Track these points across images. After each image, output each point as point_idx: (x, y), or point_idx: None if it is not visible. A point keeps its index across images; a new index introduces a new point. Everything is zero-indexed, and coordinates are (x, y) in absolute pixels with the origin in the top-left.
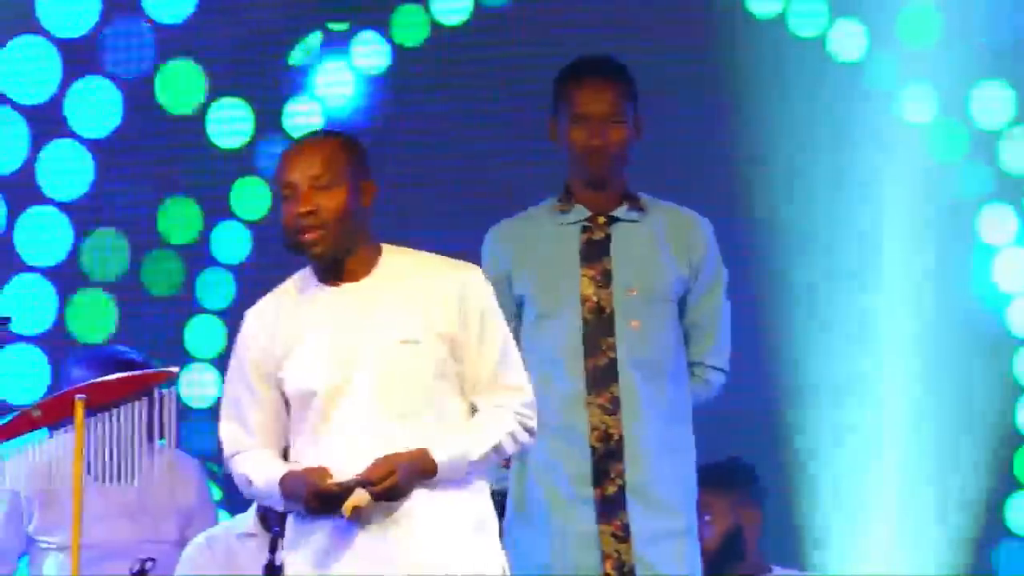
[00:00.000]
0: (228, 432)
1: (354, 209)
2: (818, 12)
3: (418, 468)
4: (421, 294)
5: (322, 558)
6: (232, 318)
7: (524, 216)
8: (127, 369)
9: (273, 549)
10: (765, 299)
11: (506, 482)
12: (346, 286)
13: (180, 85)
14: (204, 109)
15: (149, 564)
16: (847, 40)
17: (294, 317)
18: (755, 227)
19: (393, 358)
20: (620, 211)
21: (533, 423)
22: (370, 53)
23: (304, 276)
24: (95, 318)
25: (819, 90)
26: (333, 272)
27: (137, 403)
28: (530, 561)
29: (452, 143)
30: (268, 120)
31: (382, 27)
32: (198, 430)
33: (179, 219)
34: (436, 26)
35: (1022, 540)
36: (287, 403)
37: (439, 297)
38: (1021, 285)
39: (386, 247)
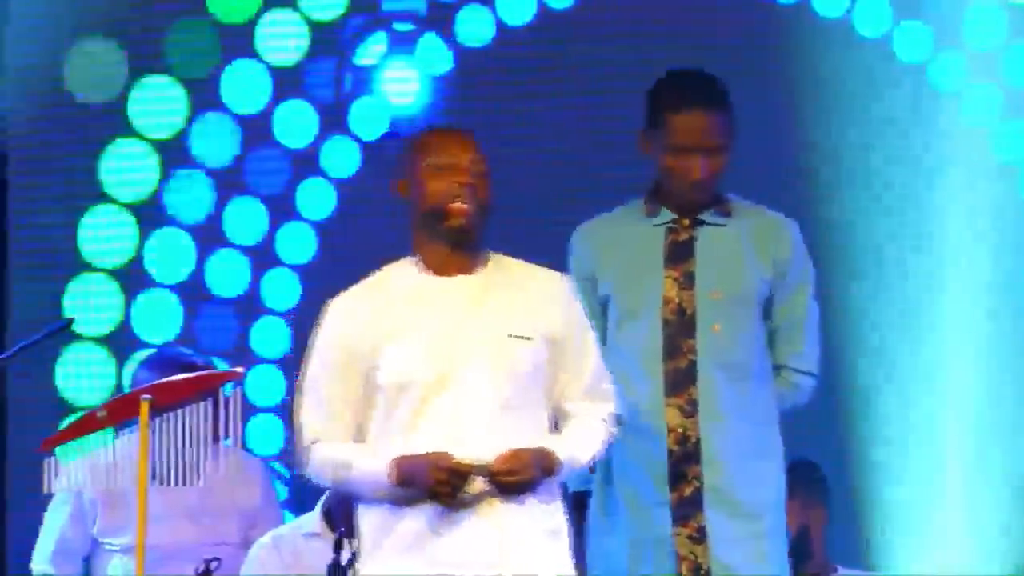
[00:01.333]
0: (309, 419)
1: (491, 199)
2: (882, 13)
3: (544, 465)
4: (530, 294)
5: (405, 555)
6: (297, 319)
7: (610, 216)
8: (191, 371)
9: (338, 549)
10: (829, 298)
11: (590, 484)
12: (457, 278)
13: (245, 85)
14: (269, 109)
15: (215, 564)
16: (911, 41)
17: (393, 307)
18: (818, 228)
19: (502, 351)
20: (706, 214)
21: (616, 432)
22: (434, 54)
23: (401, 267)
24: (160, 319)
25: (883, 91)
26: (443, 264)
27: (202, 404)
28: (608, 566)
29: (516, 143)
30: (333, 120)
31: (447, 28)
32: (263, 431)
33: (244, 219)
34: (501, 26)
35: None
36: (368, 396)
37: (547, 299)
38: None
39: (492, 252)
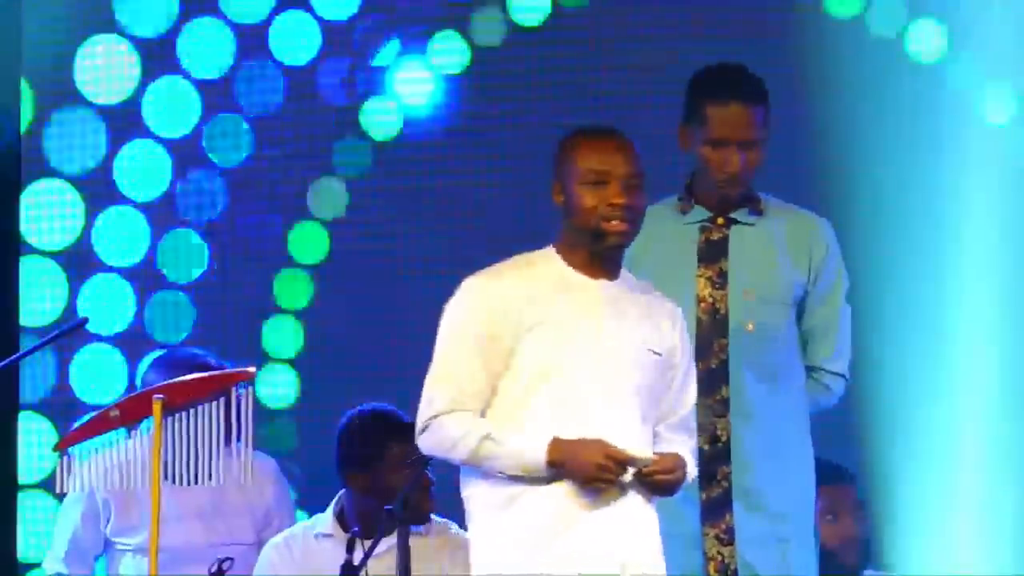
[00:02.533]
0: (443, 391)
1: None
2: (897, 11)
3: (684, 475)
4: (655, 313)
5: (527, 546)
6: (309, 318)
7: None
8: (202, 370)
9: (351, 549)
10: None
11: None
12: (601, 281)
13: (258, 85)
14: (282, 110)
15: (227, 564)
16: (926, 40)
17: (539, 295)
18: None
19: (639, 360)
20: (739, 213)
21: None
22: (448, 53)
23: (545, 257)
24: (173, 319)
25: (898, 90)
26: (590, 265)
27: (214, 403)
28: None
29: (531, 144)
30: (346, 120)
31: (461, 27)
32: (276, 431)
33: (257, 220)
34: (515, 26)
35: None
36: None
37: (668, 323)
38: None
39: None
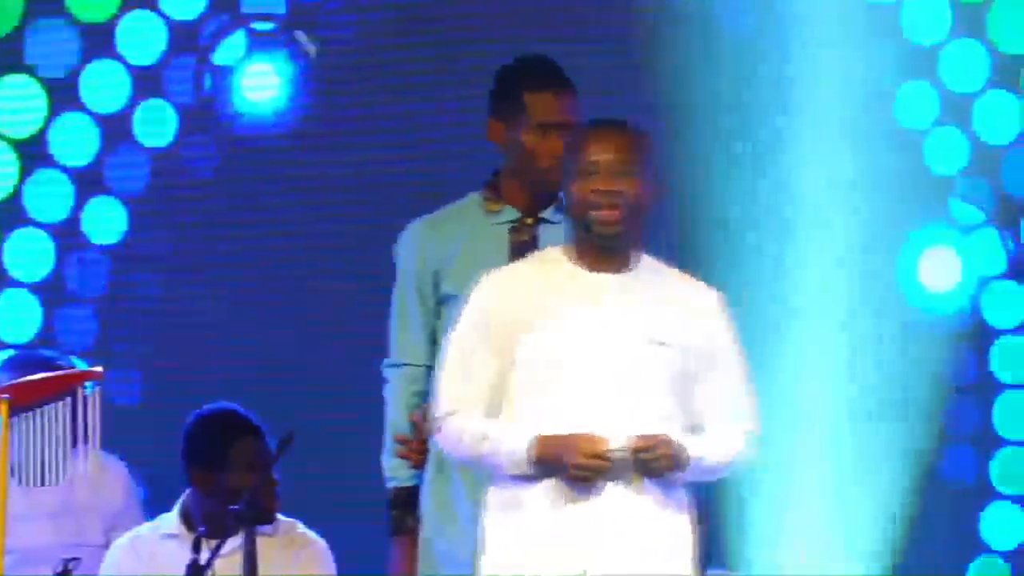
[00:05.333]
0: (452, 390)
1: (647, 200)
2: (748, 11)
3: (678, 455)
4: (675, 302)
5: (530, 543)
6: (157, 319)
7: (450, 212)
8: (50, 370)
9: (197, 549)
10: None
11: (417, 480)
12: (604, 275)
13: (105, 84)
14: (130, 108)
15: (73, 564)
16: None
17: (541, 293)
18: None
19: (643, 355)
20: (548, 212)
21: (754, 454)
22: (296, 51)
23: (552, 255)
24: (20, 319)
25: (746, 90)
26: (595, 259)
27: (61, 404)
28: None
29: (380, 139)
30: (193, 120)
31: (308, 24)
32: (123, 430)
33: (104, 219)
34: (362, 21)
35: (947, 539)
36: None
37: (693, 310)
38: (948, 284)
39: (644, 255)
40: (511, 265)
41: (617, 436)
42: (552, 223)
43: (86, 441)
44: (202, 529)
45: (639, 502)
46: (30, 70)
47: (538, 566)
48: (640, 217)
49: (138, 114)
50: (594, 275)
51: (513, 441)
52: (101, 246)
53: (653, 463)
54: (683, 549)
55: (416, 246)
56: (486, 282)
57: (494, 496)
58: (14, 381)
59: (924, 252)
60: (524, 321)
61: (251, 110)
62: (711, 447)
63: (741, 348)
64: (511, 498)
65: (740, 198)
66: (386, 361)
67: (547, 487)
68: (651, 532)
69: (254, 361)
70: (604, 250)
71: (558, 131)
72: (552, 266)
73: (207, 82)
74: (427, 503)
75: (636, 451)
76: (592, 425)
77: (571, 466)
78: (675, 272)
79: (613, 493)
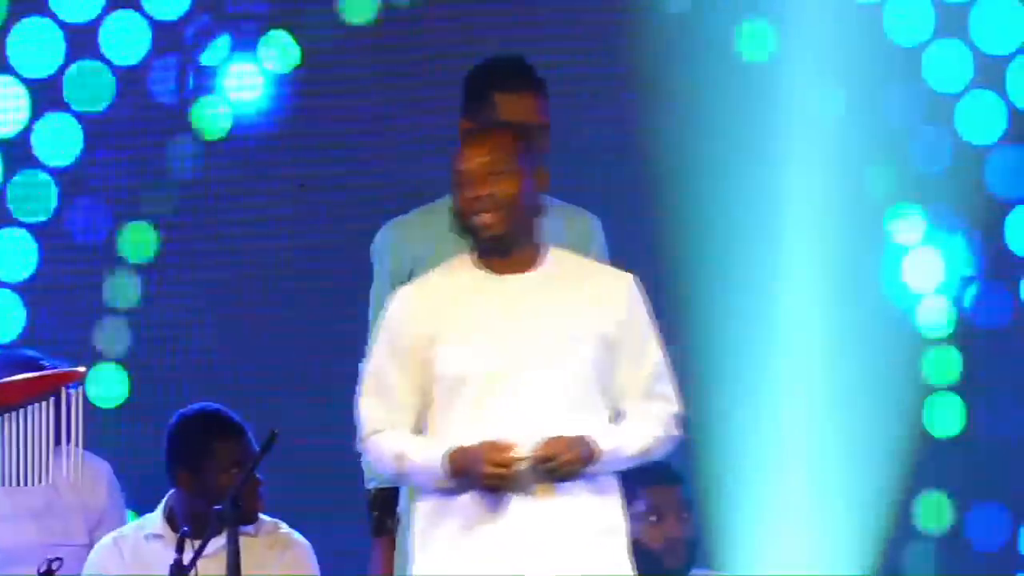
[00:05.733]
0: (371, 410)
1: (526, 196)
2: (726, 11)
3: (585, 452)
4: (585, 292)
5: (454, 550)
6: (139, 318)
7: (424, 212)
8: (33, 370)
9: (180, 549)
10: (670, 296)
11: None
12: (510, 277)
13: (89, 85)
14: (113, 109)
15: (56, 564)
16: (756, 39)
17: (449, 303)
18: (664, 226)
19: (556, 350)
20: None
21: (678, 434)
22: (278, 53)
23: (460, 264)
24: (3, 318)
25: (727, 89)
26: (499, 262)
27: (44, 404)
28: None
29: (360, 143)
30: (177, 120)
31: (291, 27)
32: (107, 430)
33: (87, 219)
34: (344, 25)
35: (930, 539)
36: (427, 388)
37: (603, 297)
38: (931, 285)
39: (550, 246)
40: (422, 277)
41: (527, 442)
42: None
43: (69, 441)
44: (185, 529)
45: (565, 501)
46: (13, 70)
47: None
48: (524, 212)
49: (120, 114)
50: (501, 278)
51: (428, 458)
52: (83, 246)
53: (557, 470)
54: (614, 539)
55: (391, 245)
56: (397, 298)
57: (422, 506)
58: None
59: (907, 252)
60: (435, 334)
61: (234, 110)
62: (628, 436)
63: (656, 329)
64: (439, 507)
65: (724, 197)
66: (364, 360)
67: (473, 495)
68: (580, 528)
69: (237, 362)
70: (500, 252)
71: (531, 130)
72: (460, 273)
73: (190, 82)
74: (404, 503)
75: (538, 459)
76: (506, 432)
77: (480, 476)
78: (584, 261)
79: (534, 500)
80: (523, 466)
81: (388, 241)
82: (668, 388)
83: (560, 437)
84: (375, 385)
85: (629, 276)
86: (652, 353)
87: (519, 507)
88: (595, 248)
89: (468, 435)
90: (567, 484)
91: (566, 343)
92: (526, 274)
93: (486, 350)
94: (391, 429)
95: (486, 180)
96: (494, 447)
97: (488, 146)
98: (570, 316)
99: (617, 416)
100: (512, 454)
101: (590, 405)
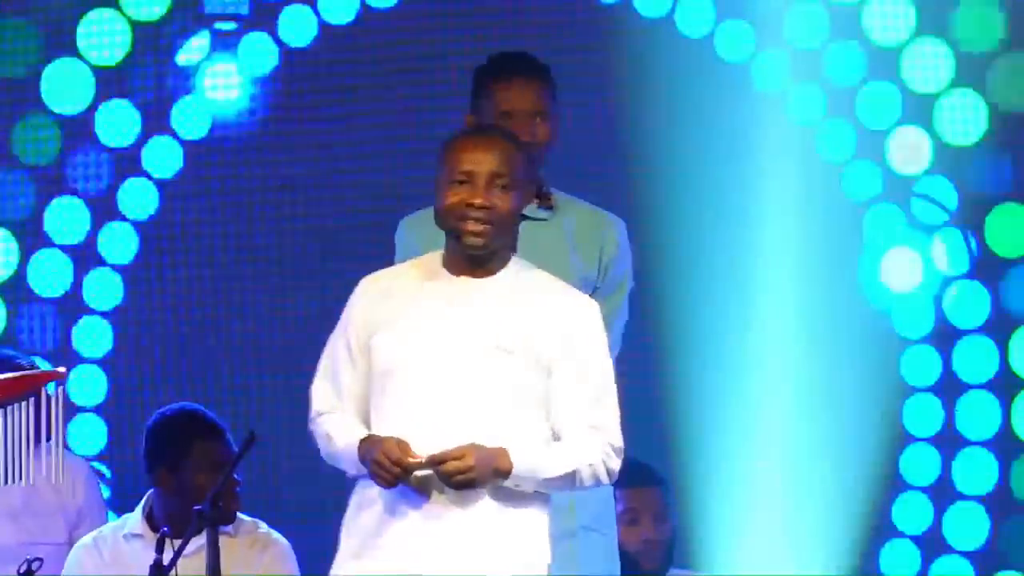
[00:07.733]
0: (320, 391)
1: (518, 212)
2: (705, 12)
3: (494, 464)
4: (534, 309)
5: (367, 546)
6: (119, 319)
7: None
8: (12, 371)
9: (160, 549)
10: (647, 296)
11: None
12: (463, 279)
13: (68, 85)
14: (92, 109)
15: (36, 564)
16: (734, 41)
17: (404, 294)
18: (642, 227)
19: (483, 360)
20: (530, 209)
21: (615, 466)
22: (258, 53)
23: (429, 259)
24: None
25: (706, 90)
26: (466, 264)
27: (24, 403)
28: None
29: (341, 144)
30: (155, 121)
31: (270, 27)
32: (86, 431)
33: (67, 219)
34: (324, 26)
35: (909, 539)
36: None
37: (551, 319)
38: (909, 285)
39: (517, 258)
40: (390, 268)
41: (445, 443)
42: (534, 219)
43: (49, 440)
44: (165, 529)
45: (477, 506)
46: None
47: (371, 567)
48: (509, 229)
49: (100, 114)
50: (454, 278)
51: (348, 443)
52: (64, 246)
53: (451, 476)
54: (520, 548)
55: (402, 241)
56: (359, 285)
57: (356, 494)
58: None
59: (886, 253)
60: (376, 324)
61: (214, 110)
62: (551, 458)
63: (606, 359)
64: (367, 497)
65: (703, 198)
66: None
67: (401, 487)
68: (483, 534)
69: (218, 361)
70: (471, 259)
71: (527, 118)
72: (423, 269)
73: (169, 82)
74: None
75: (432, 463)
76: (422, 431)
77: (372, 464)
78: (546, 277)
79: (450, 495)
80: (415, 466)
81: (399, 237)
82: (608, 417)
83: (471, 445)
84: (326, 368)
85: (589, 302)
86: (591, 379)
87: (427, 508)
88: (610, 251)
89: (391, 428)
90: (471, 492)
91: (494, 353)
92: (481, 279)
93: (416, 347)
94: (333, 412)
95: (489, 188)
96: (397, 444)
97: (496, 153)
98: (506, 327)
99: (554, 439)
100: (411, 456)
101: (520, 420)
